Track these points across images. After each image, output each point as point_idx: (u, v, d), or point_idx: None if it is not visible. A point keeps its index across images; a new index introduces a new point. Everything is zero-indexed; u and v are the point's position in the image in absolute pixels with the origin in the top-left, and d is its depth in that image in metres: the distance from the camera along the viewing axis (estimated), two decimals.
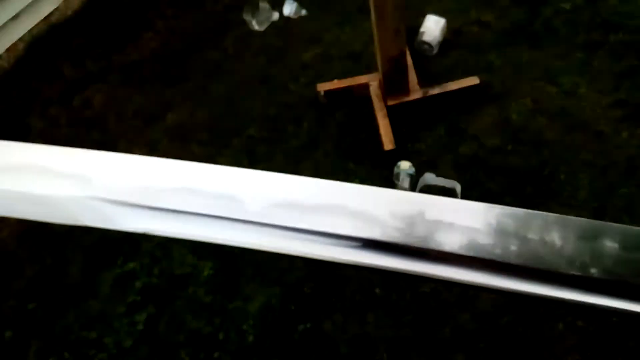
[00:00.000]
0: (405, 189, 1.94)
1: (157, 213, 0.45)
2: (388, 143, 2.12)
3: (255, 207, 0.44)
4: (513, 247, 0.41)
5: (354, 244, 0.43)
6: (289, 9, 2.75)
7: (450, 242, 0.41)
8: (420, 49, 2.44)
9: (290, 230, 0.44)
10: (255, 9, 2.74)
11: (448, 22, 2.48)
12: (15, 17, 2.86)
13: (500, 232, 0.41)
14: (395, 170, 2.05)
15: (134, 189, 0.45)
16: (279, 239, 0.44)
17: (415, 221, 0.43)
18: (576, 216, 0.43)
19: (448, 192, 1.94)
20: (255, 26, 2.76)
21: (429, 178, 1.99)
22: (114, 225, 0.45)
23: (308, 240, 0.44)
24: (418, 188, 1.97)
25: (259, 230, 0.45)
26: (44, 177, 0.46)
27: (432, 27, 2.43)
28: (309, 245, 0.44)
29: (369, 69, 2.39)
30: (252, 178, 0.46)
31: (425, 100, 2.22)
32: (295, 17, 2.76)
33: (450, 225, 0.42)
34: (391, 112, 2.21)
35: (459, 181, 1.98)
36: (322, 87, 2.35)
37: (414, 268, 0.42)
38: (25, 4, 2.86)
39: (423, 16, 2.48)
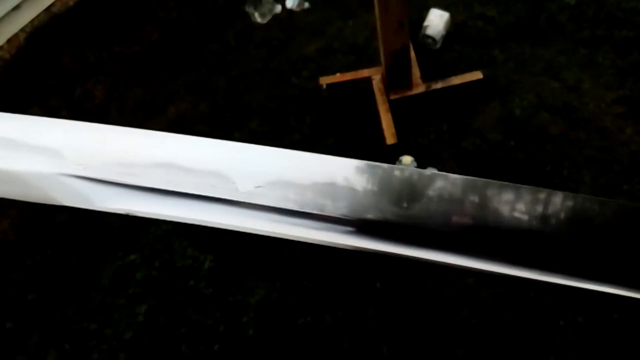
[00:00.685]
0: None
1: (139, 192, 0.41)
2: (390, 137, 2.11)
3: (246, 187, 0.40)
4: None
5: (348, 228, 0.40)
6: (292, 2, 2.74)
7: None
8: (423, 42, 2.43)
9: (282, 213, 0.41)
10: (258, 2, 2.73)
11: (452, 16, 2.46)
12: (17, 8, 2.84)
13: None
14: (397, 164, 2.04)
15: (112, 164, 0.41)
16: (270, 222, 0.41)
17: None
18: None
19: None
20: (258, 19, 2.74)
21: None
22: (92, 205, 0.41)
23: (299, 224, 0.41)
24: None
25: (249, 213, 0.41)
26: (12, 151, 0.42)
27: (436, 21, 2.41)
28: (300, 229, 0.41)
29: (372, 62, 2.38)
30: (241, 153, 0.41)
31: (428, 94, 2.21)
32: (298, 9, 2.74)
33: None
34: (394, 106, 2.20)
35: None
36: (325, 80, 2.34)
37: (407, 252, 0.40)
38: None
39: (427, 10, 2.47)
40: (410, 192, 0.40)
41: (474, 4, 2.55)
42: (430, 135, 2.16)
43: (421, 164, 2.04)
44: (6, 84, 2.77)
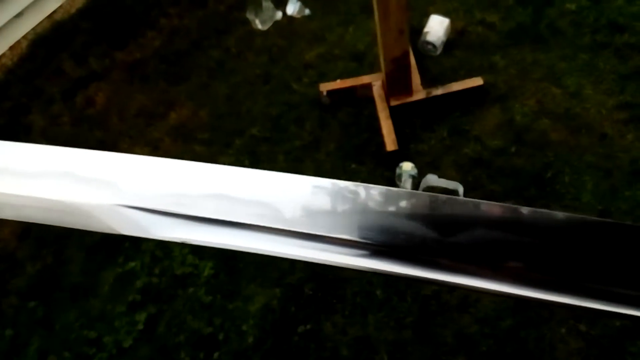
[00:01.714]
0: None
1: (193, 222, 0.43)
2: (390, 144, 2.10)
3: (291, 214, 0.42)
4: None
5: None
6: (292, 8, 2.74)
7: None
8: (423, 49, 2.43)
9: (318, 240, 0.42)
10: (258, 8, 2.74)
11: (452, 23, 2.46)
12: (19, 15, 2.86)
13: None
14: (398, 171, 2.04)
15: (166, 195, 0.43)
16: (310, 249, 0.42)
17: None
18: None
19: (450, 194, 1.92)
20: (259, 25, 2.75)
21: (432, 179, 1.98)
22: (149, 235, 0.43)
23: (325, 249, 0.43)
24: (420, 189, 1.96)
25: (296, 242, 0.42)
26: (71, 182, 0.44)
27: (436, 27, 2.41)
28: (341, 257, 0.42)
29: (372, 69, 2.38)
30: (285, 182, 0.43)
31: (428, 100, 2.21)
32: (299, 16, 2.75)
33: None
34: (394, 113, 2.19)
35: (461, 183, 1.97)
36: (325, 87, 2.34)
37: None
38: (30, 1, 2.87)
39: (427, 16, 2.47)
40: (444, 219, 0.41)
41: (474, 10, 2.55)
42: (431, 141, 2.15)
43: (421, 170, 2.04)
44: (8, 91, 2.78)
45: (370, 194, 0.42)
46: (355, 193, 0.42)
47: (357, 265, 0.42)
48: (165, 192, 0.43)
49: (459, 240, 0.40)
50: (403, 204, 0.42)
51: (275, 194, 0.42)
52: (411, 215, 0.41)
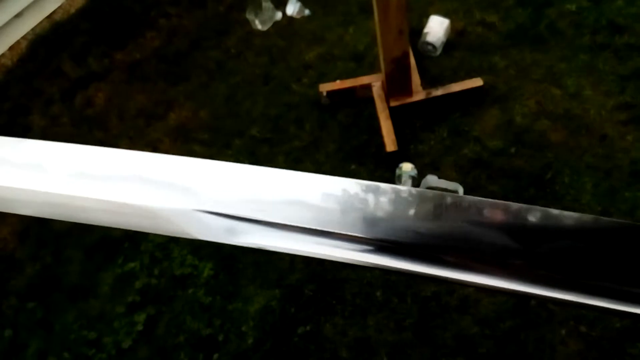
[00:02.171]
0: None
1: (270, 228, 0.43)
2: (390, 144, 2.10)
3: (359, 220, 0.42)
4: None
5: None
6: (292, 9, 2.74)
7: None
8: (423, 49, 2.42)
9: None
10: (258, 9, 2.73)
11: (452, 23, 2.46)
12: (19, 15, 2.86)
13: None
14: (397, 172, 2.03)
15: (244, 201, 0.43)
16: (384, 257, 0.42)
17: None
18: None
19: None
20: (258, 26, 2.75)
21: (431, 180, 1.98)
22: (226, 240, 0.43)
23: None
24: None
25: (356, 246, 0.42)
26: (149, 188, 0.44)
27: (436, 27, 2.41)
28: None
29: (372, 69, 2.38)
30: (358, 188, 0.43)
31: (428, 101, 2.21)
32: (299, 16, 2.75)
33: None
34: (394, 113, 2.19)
35: (461, 183, 1.96)
36: (325, 87, 2.34)
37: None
38: (29, 1, 2.87)
39: (427, 17, 2.47)
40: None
41: (474, 10, 2.55)
42: (431, 142, 2.15)
43: (422, 171, 2.04)
44: (8, 91, 2.78)
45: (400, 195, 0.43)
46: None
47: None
48: (244, 198, 0.43)
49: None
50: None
51: (347, 200, 0.42)
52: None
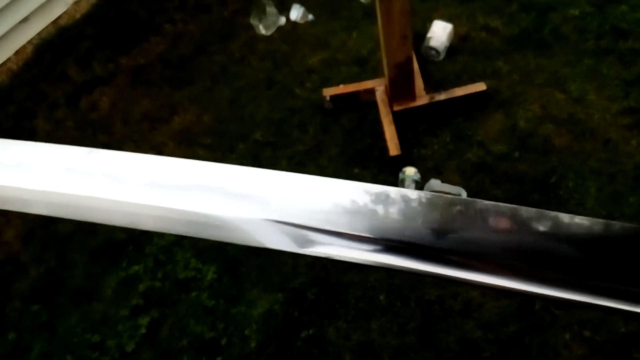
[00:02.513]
0: None
1: (339, 238, 0.43)
2: (393, 149, 2.10)
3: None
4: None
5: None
6: (296, 14, 2.76)
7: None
8: (426, 54, 2.43)
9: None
10: (262, 14, 2.75)
11: (455, 28, 2.47)
12: (25, 20, 2.88)
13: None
14: (401, 176, 2.03)
15: (313, 211, 0.44)
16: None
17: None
18: None
19: None
20: (262, 30, 2.76)
21: (435, 184, 1.98)
22: (296, 249, 0.44)
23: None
24: None
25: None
26: (219, 197, 0.45)
27: (439, 32, 2.42)
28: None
29: (375, 74, 2.38)
30: (420, 197, 0.44)
31: (431, 106, 2.21)
32: (302, 21, 2.76)
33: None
34: (397, 118, 2.20)
35: (464, 188, 1.96)
36: (328, 92, 2.35)
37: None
38: (35, 6, 2.89)
39: (430, 22, 2.48)
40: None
41: (477, 15, 2.56)
42: (434, 146, 2.15)
43: (425, 175, 2.04)
44: (13, 95, 2.80)
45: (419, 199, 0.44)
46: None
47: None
48: (313, 209, 0.44)
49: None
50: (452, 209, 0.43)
51: (422, 213, 0.43)
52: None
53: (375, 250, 0.43)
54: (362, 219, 0.43)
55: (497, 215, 0.42)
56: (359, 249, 0.43)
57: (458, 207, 0.43)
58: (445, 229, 0.42)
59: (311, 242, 0.43)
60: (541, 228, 0.41)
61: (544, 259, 0.40)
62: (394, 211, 0.43)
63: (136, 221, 0.47)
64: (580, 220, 0.41)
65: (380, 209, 0.43)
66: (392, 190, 0.44)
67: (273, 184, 0.46)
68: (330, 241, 0.43)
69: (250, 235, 0.44)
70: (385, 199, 0.44)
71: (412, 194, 0.44)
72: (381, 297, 1.81)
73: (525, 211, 0.41)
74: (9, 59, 2.88)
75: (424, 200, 0.44)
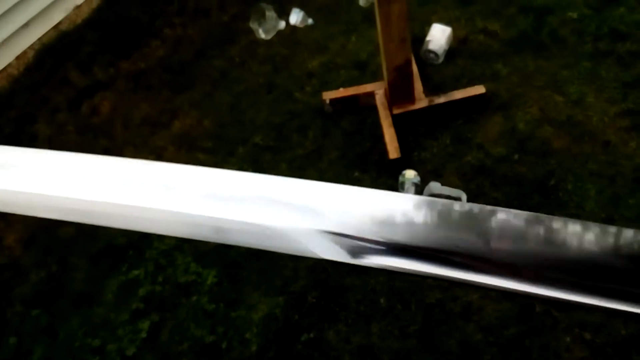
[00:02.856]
0: None
1: (391, 248, 0.44)
2: (393, 152, 2.11)
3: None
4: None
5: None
6: (295, 18, 2.77)
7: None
8: (426, 57, 2.44)
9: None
10: (262, 18, 2.76)
11: (454, 31, 2.48)
12: (26, 25, 2.90)
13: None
14: (400, 179, 2.04)
15: (366, 223, 0.44)
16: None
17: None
18: None
19: None
20: (262, 35, 2.77)
21: (434, 187, 1.98)
22: (350, 260, 0.45)
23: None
24: None
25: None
26: (270, 207, 0.46)
27: (438, 35, 2.43)
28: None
29: (375, 77, 2.39)
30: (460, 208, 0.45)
31: (430, 109, 2.22)
32: (302, 26, 2.77)
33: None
34: (396, 121, 2.20)
35: (464, 190, 1.97)
36: (328, 95, 2.35)
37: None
38: (36, 11, 2.91)
39: (429, 25, 2.49)
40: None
41: (476, 18, 2.57)
42: (434, 149, 2.16)
43: (424, 178, 2.04)
44: (14, 100, 2.81)
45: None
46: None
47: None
48: (366, 220, 0.45)
49: (525, 250, 0.41)
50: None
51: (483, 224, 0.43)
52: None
53: (429, 262, 0.43)
54: (414, 230, 0.43)
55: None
56: (412, 259, 0.43)
57: (503, 216, 0.43)
58: (496, 239, 0.42)
59: (365, 253, 0.44)
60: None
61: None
62: (445, 222, 0.44)
63: (195, 232, 0.48)
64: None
65: (429, 220, 0.44)
66: (440, 202, 0.44)
67: (326, 196, 0.47)
68: (384, 252, 0.44)
69: (304, 245, 0.45)
70: (434, 210, 0.44)
71: (463, 205, 0.45)
72: (382, 300, 1.81)
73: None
74: (10, 64, 2.89)
75: (473, 210, 0.44)
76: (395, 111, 2.22)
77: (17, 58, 2.92)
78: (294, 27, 2.77)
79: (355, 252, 0.44)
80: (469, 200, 1.95)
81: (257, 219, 0.46)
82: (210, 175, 0.50)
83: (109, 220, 0.50)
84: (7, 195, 0.51)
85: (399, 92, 2.18)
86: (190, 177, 0.50)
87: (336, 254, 0.44)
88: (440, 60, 2.43)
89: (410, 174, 2.03)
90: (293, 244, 0.45)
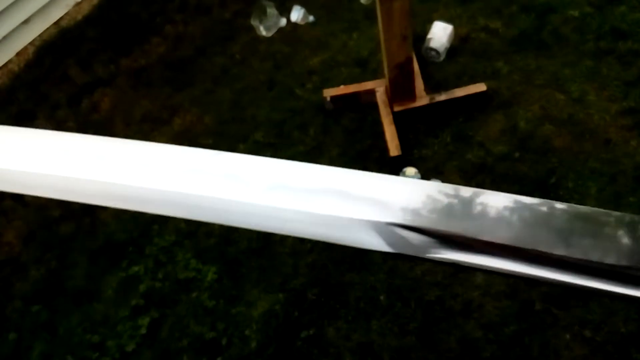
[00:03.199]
0: None
1: (458, 244, 0.43)
2: (394, 149, 2.11)
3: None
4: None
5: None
6: (296, 15, 2.76)
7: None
8: (427, 55, 2.44)
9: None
10: (263, 15, 2.75)
11: (455, 29, 2.47)
12: (26, 22, 2.89)
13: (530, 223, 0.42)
14: (401, 176, 2.04)
15: (436, 217, 0.44)
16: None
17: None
18: None
19: None
20: (263, 32, 2.77)
21: None
22: (420, 253, 0.44)
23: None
24: None
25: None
26: (342, 200, 0.46)
27: (440, 33, 2.42)
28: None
29: (376, 75, 2.39)
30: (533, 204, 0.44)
31: (431, 106, 2.21)
32: (303, 23, 2.76)
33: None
34: (397, 118, 2.20)
35: None
36: (329, 92, 2.35)
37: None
38: (37, 8, 2.90)
39: (430, 23, 2.48)
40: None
41: (477, 16, 2.56)
42: (434, 147, 2.16)
43: (425, 175, 2.04)
44: (15, 96, 2.80)
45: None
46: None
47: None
48: (435, 214, 0.44)
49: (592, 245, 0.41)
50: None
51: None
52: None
53: (504, 258, 0.42)
54: (495, 226, 0.43)
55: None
56: (484, 255, 0.42)
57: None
58: (577, 238, 0.41)
59: (439, 248, 0.43)
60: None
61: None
62: (527, 218, 0.43)
63: (262, 223, 0.48)
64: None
65: (505, 218, 0.43)
66: (507, 197, 0.44)
67: (394, 188, 0.46)
68: (457, 247, 0.43)
69: (373, 238, 0.44)
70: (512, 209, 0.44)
71: (534, 201, 0.44)
72: (381, 298, 1.81)
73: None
74: (10, 60, 2.89)
75: (544, 208, 0.44)
76: (396, 109, 2.22)
77: (18, 54, 2.92)
78: (295, 25, 2.77)
79: (427, 247, 0.43)
80: None
81: (325, 210, 0.45)
82: (279, 167, 0.49)
83: (175, 209, 0.49)
84: (87, 184, 0.50)
85: (400, 89, 2.18)
86: (258, 168, 0.49)
87: (407, 247, 0.44)
88: (442, 58, 2.43)
89: (410, 171, 2.03)
90: (360, 236, 0.45)
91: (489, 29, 2.51)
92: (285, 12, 2.79)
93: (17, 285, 2.09)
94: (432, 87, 2.30)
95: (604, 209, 0.39)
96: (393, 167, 2.09)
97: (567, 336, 1.63)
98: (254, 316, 1.84)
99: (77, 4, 3.10)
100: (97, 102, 2.69)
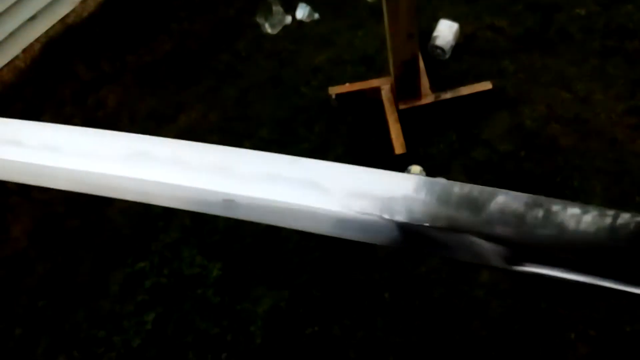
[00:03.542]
0: None
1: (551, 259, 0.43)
2: (399, 147, 2.11)
3: None
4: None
5: None
6: (302, 13, 2.76)
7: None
8: (432, 53, 2.43)
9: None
10: (268, 13, 2.76)
11: (461, 27, 2.47)
12: (32, 18, 2.90)
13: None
14: (406, 174, 2.04)
15: (520, 230, 0.43)
16: None
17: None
18: None
19: None
20: (268, 29, 2.77)
21: None
22: (502, 265, 0.44)
23: None
24: None
25: None
26: (427, 208, 0.45)
27: (445, 31, 2.42)
28: None
29: (381, 72, 2.38)
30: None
31: (437, 104, 2.21)
32: (308, 20, 2.76)
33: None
34: (403, 116, 2.20)
35: None
36: (334, 90, 2.35)
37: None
38: (43, 4, 2.91)
39: (436, 20, 2.48)
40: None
41: (483, 15, 2.56)
42: (440, 145, 2.16)
43: (430, 173, 2.04)
44: (21, 92, 2.82)
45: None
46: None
47: None
48: (518, 227, 0.43)
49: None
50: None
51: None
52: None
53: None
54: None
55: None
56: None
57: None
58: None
59: (522, 260, 0.43)
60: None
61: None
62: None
63: (343, 231, 0.47)
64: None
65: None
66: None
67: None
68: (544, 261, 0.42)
69: (455, 251, 0.44)
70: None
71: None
72: (386, 295, 1.81)
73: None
74: (16, 57, 2.90)
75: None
76: (402, 106, 2.22)
77: (24, 51, 2.92)
78: (301, 22, 2.77)
79: (508, 259, 0.43)
80: None
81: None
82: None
83: (249, 214, 0.50)
84: (148, 185, 0.51)
85: (406, 87, 2.18)
86: (337, 174, 0.50)
87: (489, 258, 0.43)
88: (447, 56, 2.42)
89: (416, 170, 2.03)
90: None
91: (494, 27, 2.50)
92: (291, 9, 2.79)
93: (24, 280, 2.10)
94: (438, 85, 2.30)
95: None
96: (398, 165, 2.09)
97: (572, 335, 1.63)
98: (259, 313, 1.85)
99: (84, 1, 3.11)
100: (103, 99, 2.70)
